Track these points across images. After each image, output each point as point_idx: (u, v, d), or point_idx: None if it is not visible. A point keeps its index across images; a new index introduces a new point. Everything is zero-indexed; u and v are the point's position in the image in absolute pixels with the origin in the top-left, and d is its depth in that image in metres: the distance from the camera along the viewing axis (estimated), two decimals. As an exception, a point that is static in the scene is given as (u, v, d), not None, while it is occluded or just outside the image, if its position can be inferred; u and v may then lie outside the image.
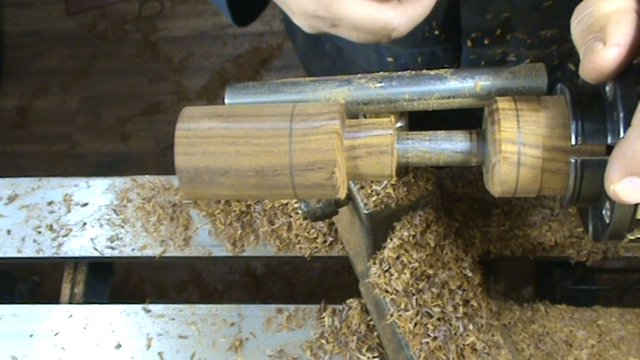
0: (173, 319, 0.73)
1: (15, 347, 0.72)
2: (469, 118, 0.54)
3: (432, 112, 0.48)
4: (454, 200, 0.74)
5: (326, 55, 0.74)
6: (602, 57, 0.34)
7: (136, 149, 1.99)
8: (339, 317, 0.69)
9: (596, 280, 1.39)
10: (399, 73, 0.48)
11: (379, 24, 0.42)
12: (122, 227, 0.79)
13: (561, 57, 0.59)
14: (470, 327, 0.58)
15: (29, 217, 0.81)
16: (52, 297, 0.80)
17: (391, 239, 0.60)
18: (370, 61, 0.67)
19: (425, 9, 0.43)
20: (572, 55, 0.59)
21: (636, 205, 0.36)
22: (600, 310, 0.69)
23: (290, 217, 0.75)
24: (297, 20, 0.46)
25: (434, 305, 0.58)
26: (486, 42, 0.59)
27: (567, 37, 0.57)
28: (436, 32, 0.60)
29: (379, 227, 0.60)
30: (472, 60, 0.61)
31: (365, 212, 0.57)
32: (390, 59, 0.65)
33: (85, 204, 0.81)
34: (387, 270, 0.60)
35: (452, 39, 0.60)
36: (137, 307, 0.74)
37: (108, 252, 0.78)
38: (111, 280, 0.87)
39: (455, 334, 0.58)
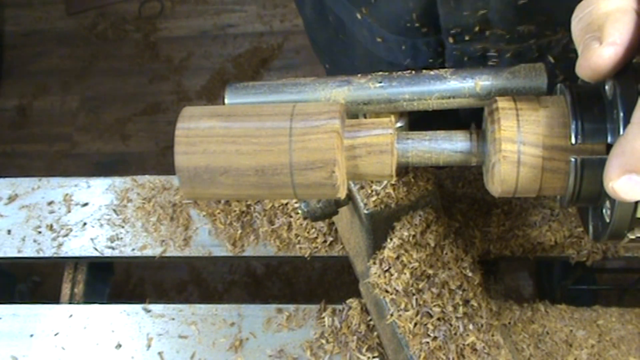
0: (173, 319, 0.73)
1: (15, 347, 0.72)
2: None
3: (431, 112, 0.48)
4: (454, 200, 0.74)
5: (330, 26, 0.76)
6: (597, 55, 0.34)
7: (136, 149, 1.99)
8: (339, 317, 0.69)
9: (596, 280, 1.39)
10: (399, 73, 0.48)
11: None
12: (122, 227, 0.79)
13: (540, 50, 0.61)
14: (470, 327, 0.58)
15: (29, 217, 0.81)
16: (52, 297, 0.80)
17: (391, 239, 0.60)
18: (364, 37, 0.69)
19: None
20: (551, 49, 0.60)
21: (636, 203, 0.36)
22: (600, 310, 0.69)
23: (290, 217, 0.75)
24: None
25: (434, 305, 0.58)
26: (467, 38, 0.60)
27: (545, 32, 0.58)
28: (417, 25, 0.61)
29: (379, 227, 0.60)
30: (455, 57, 0.63)
31: (365, 212, 0.57)
32: (379, 40, 0.66)
33: (86, 204, 0.81)
34: (387, 270, 0.60)
35: (432, 33, 0.62)
36: (137, 307, 0.74)
37: (108, 252, 0.78)
38: (111, 280, 0.87)
39: (455, 334, 0.58)
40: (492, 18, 0.57)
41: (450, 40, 0.61)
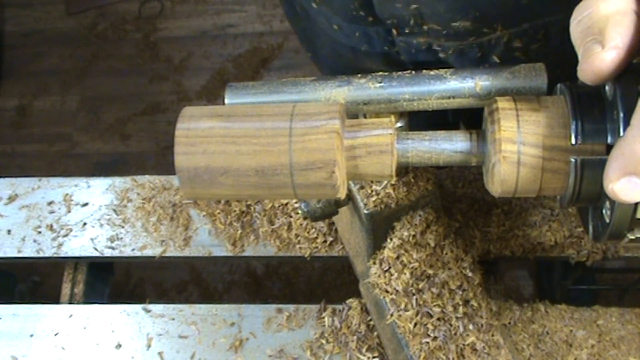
0: (173, 319, 0.73)
1: (15, 347, 0.72)
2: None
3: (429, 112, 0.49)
4: (454, 200, 0.74)
5: (300, 16, 0.77)
6: (600, 60, 0.34)
7: (136, 149, 1.99)
8: (339, 317, 0.69)
9: (596, 280, 1.39)
10: (399, 73, 0.48)
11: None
12: (122, 227, 0.79)
13: (482, 49, 0.60)
14: (470, 327, 0.58)
15: (29, 217, 0.81)
16: (52, 297, 0.80)
17: (391, 239, 0.60)
18: (324, 25, 0.70)
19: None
20: (492, 47, 0.60)
21: (636, 204, 0.36)
22: (600, 310, 0.69)
23: (290, 217, 0.75)
24: None
25: (434, 305, 0.58)
26: (407, 31, 0.61)
27: (483, 30, 0.58)
28: (362, 13, 0.62)
29: (379, 227, 0.60)
30: (404, 49, 0.64)
31: (365, 212, 0.57)
32: (335, 27, 0.68)
33: (86, 204, 0.81)
34: (387, 270, 0.60)
35: (379, 23, 0.63)
36: (137, 307, 0.74)
37: (108, 252, 0.78)
38: (111, 280, 0.87)
39: (455, 334, 0.58)
40: (424, 12, 0.57)
41: (394, 32, 0.62)
